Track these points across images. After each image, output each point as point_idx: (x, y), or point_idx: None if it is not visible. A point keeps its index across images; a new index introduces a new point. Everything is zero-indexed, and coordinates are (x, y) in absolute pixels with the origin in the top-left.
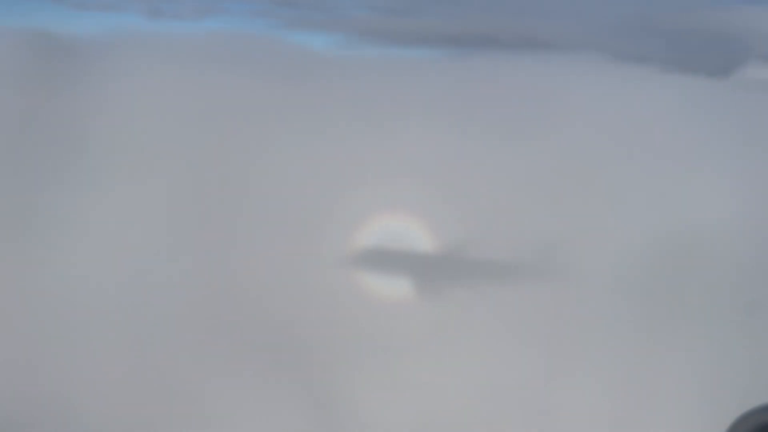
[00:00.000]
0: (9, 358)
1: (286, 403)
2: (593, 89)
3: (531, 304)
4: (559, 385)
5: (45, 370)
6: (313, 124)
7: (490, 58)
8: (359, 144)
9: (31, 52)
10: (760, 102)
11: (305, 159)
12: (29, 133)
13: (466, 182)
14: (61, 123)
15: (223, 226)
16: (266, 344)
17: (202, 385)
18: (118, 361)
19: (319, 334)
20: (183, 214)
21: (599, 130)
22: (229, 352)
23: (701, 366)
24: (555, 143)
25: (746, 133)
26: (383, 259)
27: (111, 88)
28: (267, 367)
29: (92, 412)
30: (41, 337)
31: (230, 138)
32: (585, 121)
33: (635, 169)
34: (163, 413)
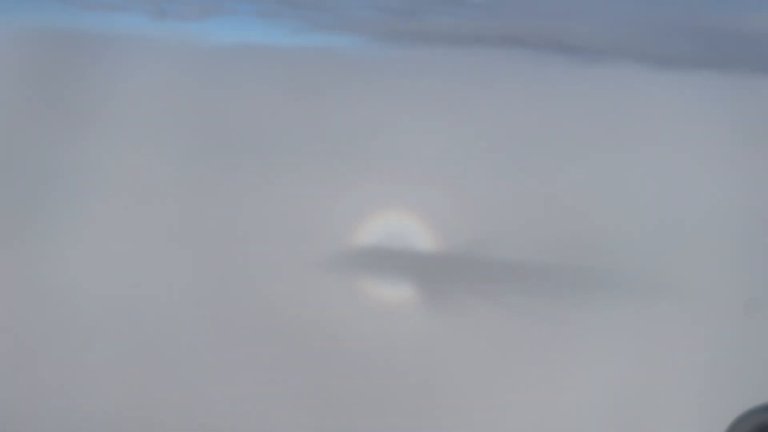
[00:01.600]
0: (8, 360)
1: (285, 408)
2: (611, 90)
3: (535, 304)
4: (559, 383)
5: (45, 373)
6: (320, 125)
7: (504, 59)
8: (369, 144)
9: (37, 48)
10: None
11: (312, 158)
12: (33, 130)
13: (476, 184)
14: (66, 120)
15: (224, 228)
16: (265, 346)
17: (200, 388)
18: (114, 362)
19: (320, 337)
20: (183, 214)
21: (610, 132)
22: (227, 354)
23: (701, 366)
24: (570, 145)
25: None
26: (390, 261)
27: (117, 86)
28: (266, 371)
29: (93, 416)
30: (41, 338)
31: (233, 138)
32: (600, 123)
33: (657, 168)
34: (162, 417)
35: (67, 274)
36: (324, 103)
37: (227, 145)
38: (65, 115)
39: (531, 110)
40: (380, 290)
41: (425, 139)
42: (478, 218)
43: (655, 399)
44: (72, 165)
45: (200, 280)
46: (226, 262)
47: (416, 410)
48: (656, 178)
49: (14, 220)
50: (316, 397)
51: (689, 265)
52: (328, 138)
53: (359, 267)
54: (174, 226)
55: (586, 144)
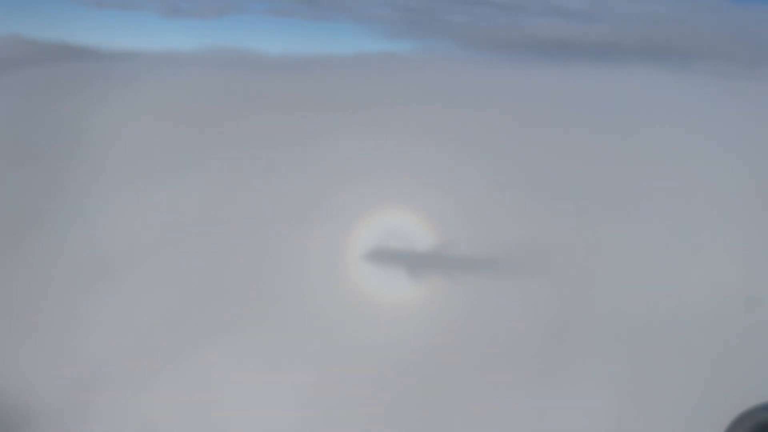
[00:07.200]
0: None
1: (286, 401)
2: (616, 91)
3: (536, 302)
4: (558, 381)
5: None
6: (328, 124)
7: (513, 60)
8: (376, 143)
9: (53, 61)
10: None
11: (316, 157)
12: (48, 137)
13: (481, 183)
14: (80, 129)
15: (232, 224)
16: (267, 340)
17: (204, 380)
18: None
19: (319, 327)
20: (194, 213)
21: (614, 132)
22: (234, 348)
23: (701, 365)
24: (573, 146)
25: None
26: (381, 254)
27: (126, 97)
28: (267, 364)
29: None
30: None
31: (242, 139)
32: (605, 123)
33: (658, 168)
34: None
35: (75, 271)
36: (333, 101)
37: (237, 146)
38: (85, 122)
39: (536, 111)
40: (382, 287)
41: (430, 138)
42: (481, 218)
43: (655, 398)
44: (83, 171)
45: (203, 277)
46: (231, 261)
47: (416, 406)
48: (657, 178)
49: (22, 218)
50: (317, 389)
51: (689, 263)
52: (334, 136)
53: (363, 263)
54: (183, 223)
55: (589, 144)
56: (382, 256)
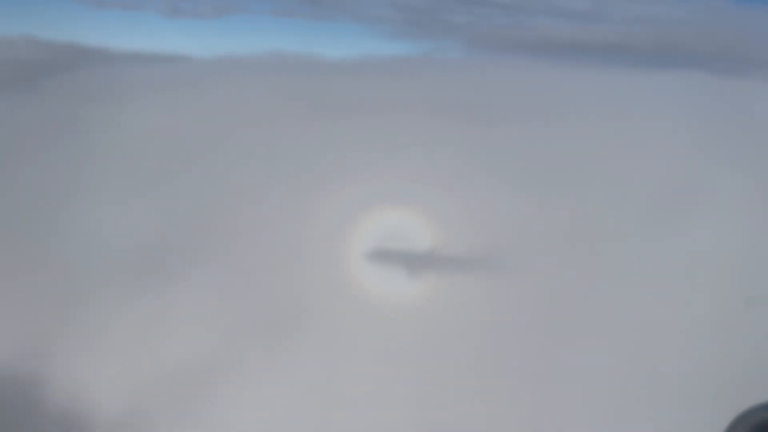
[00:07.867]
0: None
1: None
2: (619, 93)
3: (536, 301)
4: (557, 378)
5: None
6: (330, 127)
7: (515, 62)
8: (378, 145)
9: (62, 63)
10: None
11: (311, 161)
12: (55, 137)
13: (482, 186)
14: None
15: (240, 222)
16: (271, 337)
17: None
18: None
19: (318, 320)
20: (203, 214)
21: (618, 133)
22: (245, 343)
23: (701, 365)
24: (574, 149)
25: None
26: (393, 255)
27: (130, 100)
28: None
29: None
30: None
31: (249, 142)
32: (609, 124)
33: (659, 169)
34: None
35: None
36: (336, 105)
37: (246, 149)
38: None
39: (539, 112)
40: (386, 286)
41: (431, 140)
42: (482, 217)
43: (655, 398)
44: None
45: (210, 281)
46: (236, 261)
47: (422, 402)
48: (658, 177)
49: (33, 217)
50: (317, 387)
51: (689, 264)
52: (336, 141)
53: (372, 262)
54: (191, 225)
55: (591, 145)
56: (394, 256)
